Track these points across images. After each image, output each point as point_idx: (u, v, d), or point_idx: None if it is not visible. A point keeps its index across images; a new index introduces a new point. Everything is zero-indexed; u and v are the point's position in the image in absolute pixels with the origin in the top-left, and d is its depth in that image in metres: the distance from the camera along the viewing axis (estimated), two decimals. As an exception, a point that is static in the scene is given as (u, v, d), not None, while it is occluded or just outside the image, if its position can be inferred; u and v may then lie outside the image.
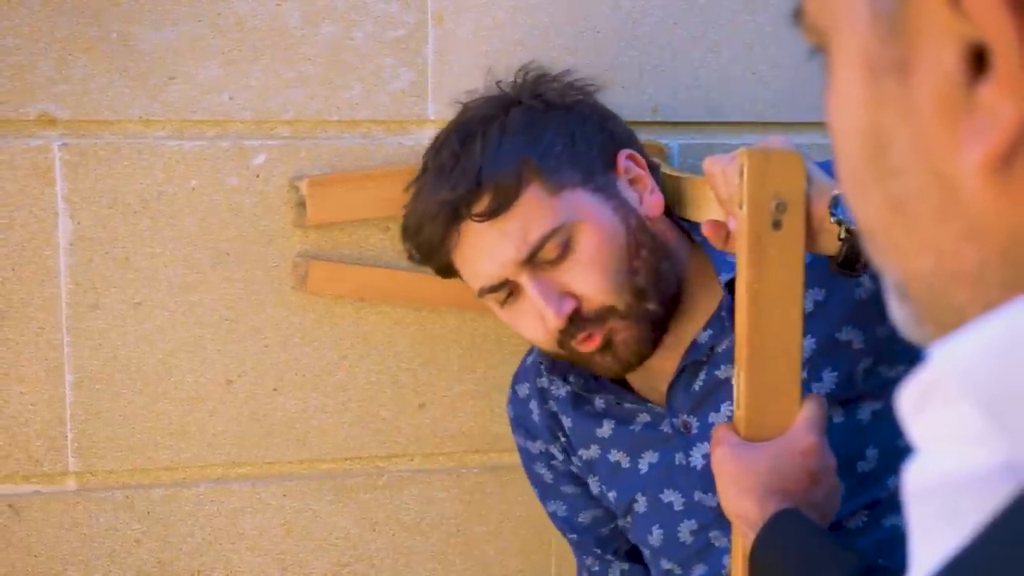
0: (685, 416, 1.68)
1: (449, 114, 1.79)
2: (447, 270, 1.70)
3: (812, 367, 1.59)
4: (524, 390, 1.85)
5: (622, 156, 1.68)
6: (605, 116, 1.72)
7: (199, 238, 1.82)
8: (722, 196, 1.43)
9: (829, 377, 1.61)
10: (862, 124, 0.51)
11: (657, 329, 1.65)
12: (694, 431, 1.67)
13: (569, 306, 1.60)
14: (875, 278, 1.47)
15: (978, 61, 0.46)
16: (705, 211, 1.61)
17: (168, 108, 1.79)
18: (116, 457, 1.84)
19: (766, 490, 1.36)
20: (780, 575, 1.29)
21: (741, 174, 1.36)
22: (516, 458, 1.88)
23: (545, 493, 1.87)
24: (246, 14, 1.80)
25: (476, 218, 1.60)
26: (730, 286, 1.54)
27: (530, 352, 1.86)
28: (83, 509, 1.84)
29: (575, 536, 1.86)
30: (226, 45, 1.80)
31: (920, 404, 0.49)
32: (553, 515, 1.87)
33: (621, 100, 1.91)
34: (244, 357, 1.86)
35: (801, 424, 1.39)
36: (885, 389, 1.62)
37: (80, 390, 1.81)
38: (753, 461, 1.38)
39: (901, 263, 0.52)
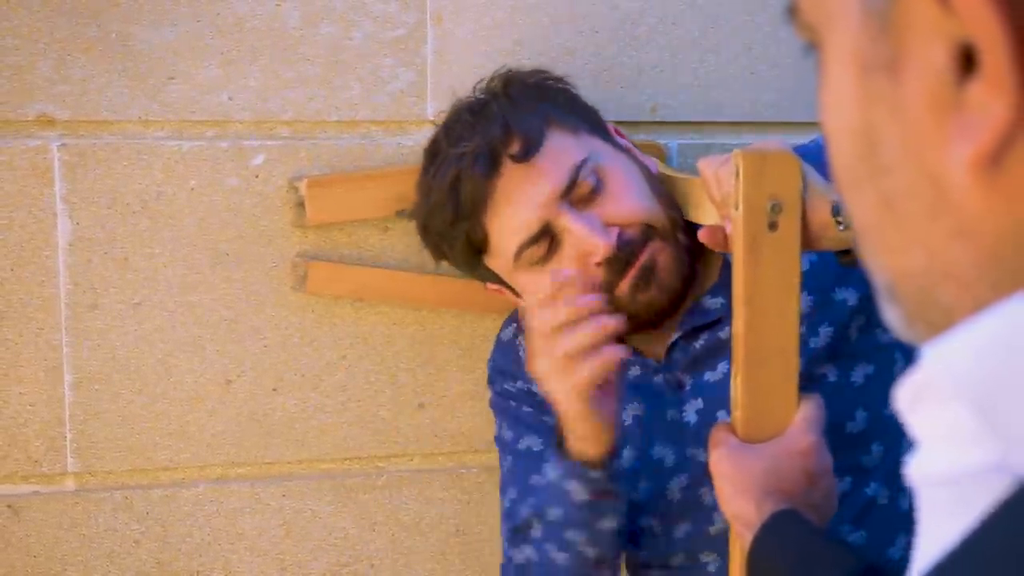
0: (680, 373, 1.69)
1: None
2: (479, 244, 1.67)
3: (809, 323, 1.62)
4: (510, 332, 1.84)
5: (610, 127, 1.75)
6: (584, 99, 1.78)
7: (198, 238, 1.82)
8: (715, 199, 1.44)
9: (824, 332, 1.63)
10: (854, 122, 0.51)
11: (691, 259, 1.67)
12: (687, 388, 1.68)
13: (614, 233, 1.61)
14: None
15: (967, 60, 0.46)
16: (704, 211, 1.61)
17: (167, 108, 1.79)
18: (115, 457, 1.84)
19: (763, 491, 1.36)
20: (778, 576, 1.29)
21: (737, 175, 1.37)
22: (515, 458, 1.87)
23: (522, 430, 1.80)
24: (245, 14, 1.80)
25: (513, 159, 1.62)
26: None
27: (516, 310, 1.86)
28: (82, 509, 1.84)
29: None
30: (225, 45, 1.80)
31: (914, 402, 0.49)
32: (526, 452, 1.78)
33: (619, 100, 1.91)
34: (243, 357, 1.86)
35: (799, 425, 1.39)
36: (879, 352, 1.64)
37: (79, 390, 1.81)
38: (750, 462, 1.38)
39: (892, 262, 0.53)
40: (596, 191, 1.63)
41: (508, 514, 1.75)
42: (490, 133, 1.63)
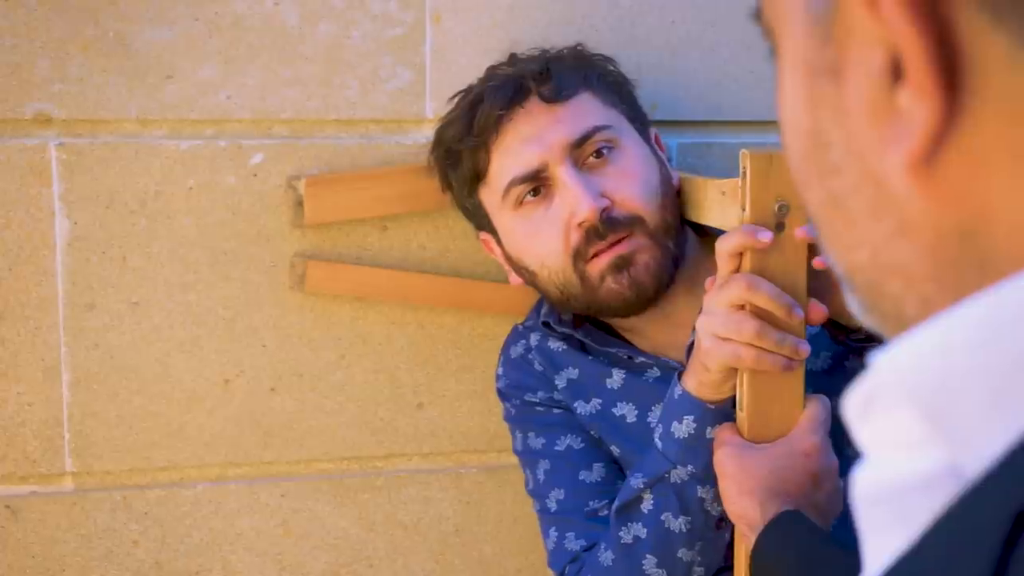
0: None
1: (447, 114, 1.79)
2: (479, 170, 1.70)
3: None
4: (519, 349, 1.83)
5: (652, 131, 1.77)
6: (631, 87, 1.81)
7: (196, 238, 1.81)
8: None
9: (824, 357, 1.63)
10: (804, 124, 0.53)
11: (675, 267, 1.67)
12: None
13: (604, 203, 1.62)
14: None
15: (898, 66, 0.47)
16: (705, 211, 1.61)
17: (165, 107, 1.78)
18: (113, 457, 1.83)
19: (768, 492, 1.36)
20: (782, 577, 1.29)
21: (743, 176, 1.37)
22: (514, 458, 1.87)
23: (556, 432, 1.77)
24: (243, 13, 1.79)
25: (540, 96, 1.65)
26: None
27: (514, 329, 1.86)
28: (80, 510, 1.84)
29: (600, 465, 1.75)
30: (223, 44, 1.79)
31: (864, 411, 0.50)
32: (568, 452, 1.76)
33: (619, 99, 1.91)
34: (242, 357, 1.85)
35: (804, 425, 1.40)
36: None
37: (77, 390, 1.80)
38: (755, 462, 1.38)
39: (842, 256, 0.54)
40: (603, 158, 1.65)
41: (562, 510, 1.73)
42: (528, 68, 1.69)
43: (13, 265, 1.76)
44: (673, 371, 1.68)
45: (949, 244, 0.48)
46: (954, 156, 0.47)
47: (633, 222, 1.63)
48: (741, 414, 1.42)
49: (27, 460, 1.81)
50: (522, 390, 1.81)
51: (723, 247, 1.40)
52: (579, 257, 1.63)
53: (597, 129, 1.65)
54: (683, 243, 1.69)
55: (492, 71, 1.75)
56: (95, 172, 1.77)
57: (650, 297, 1.66)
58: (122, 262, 1.79)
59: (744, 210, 1.37)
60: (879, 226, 0.50)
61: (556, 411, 1.78)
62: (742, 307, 1.39)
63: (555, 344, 1.78)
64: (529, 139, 1.64)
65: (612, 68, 1.78)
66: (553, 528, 1.74)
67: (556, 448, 1.77)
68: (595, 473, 1.75)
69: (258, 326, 1.85)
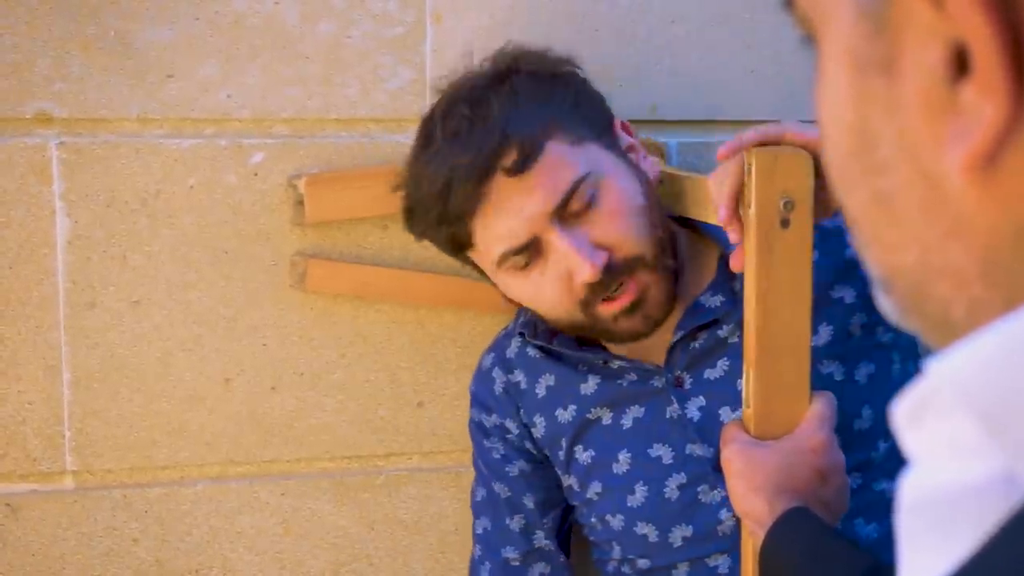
0: (679, 371, 1.68)
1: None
2: (463, 242, 1.64)
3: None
4: (488, 361, 1.84)
5: (617, 124, 1.70)
6: (593, 88, 1.72)
7: (197, 237, 1.81)
8: (715, 201, 1.46)
9: (824, 331, 1.63)
10: (849, 119, 0.51)
11: (676, 284, 1.66)
12: (687, 386, 1.67)
13: (602, 257, 1.57)
14: None
15: (961, 61, 0.45)
16: (704, 210, 1.62)
17: (166, 106, 1.78)
18: (114, 456, 1.83)
19: (775, 488, 1.36)
20: (790, 574, 1.29)
21: (749, 173, 1.37)
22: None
23: (490, 473, 1.82)
24: (244, 12, 1.79)
25: (506, 172, 1.56)
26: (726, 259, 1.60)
27: (497, 336, 1.87)
28: (81, 508, 1.84)
29: (520, 516, 1.82)
30: (224, 43, 1.79)
31: (916, 416, 0.48)
32: (496, 495, 1.82)
33: (619, 99, 1.90)
34: (242, 356, 1.85)
35: (811, 422, 1.40)
36: (879, 351, 1.65)
37: (78, 389, 1.80)
38: (762, 459, 1.39)
39: (885, 257, 0.52)
40: (589, 206, 1.59)
41: (484, 541, 1.86)
42: (486, 144, 1.57)
43: (14, 264, 1.76)
44: (650, 374, 1.69)
45: (1004, 245, 0.47)
46: (1017, 155, 0.45)
47: (632, 264, 1.60)
48: (748, 411, 1.43)
49: (28, 458, 1.80)
50: (480, 407, 1.84)
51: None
52: (588, 305, 1.61)
53: (575, 185, 1.58)
54: (679, 251, 1.68)
55: (445, 132, 1.62)
56: (96, 171, 1.77)
57: (660, 322, 1.65)
58: (123, 261, 1.79)
59: (749, 207, 1.38)
60: (930, 227, 0.49)
61: (499, 450, 1.83)
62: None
63: (533, 351, 1.79)
64: (510, 212, 1.58)
65: (560, 76, 1.68)
66: (478, 546, 1.87)
67: (492, 485, 1.84)
68: (515, 523, 1.83)
69: (259, 325, 1.85)
